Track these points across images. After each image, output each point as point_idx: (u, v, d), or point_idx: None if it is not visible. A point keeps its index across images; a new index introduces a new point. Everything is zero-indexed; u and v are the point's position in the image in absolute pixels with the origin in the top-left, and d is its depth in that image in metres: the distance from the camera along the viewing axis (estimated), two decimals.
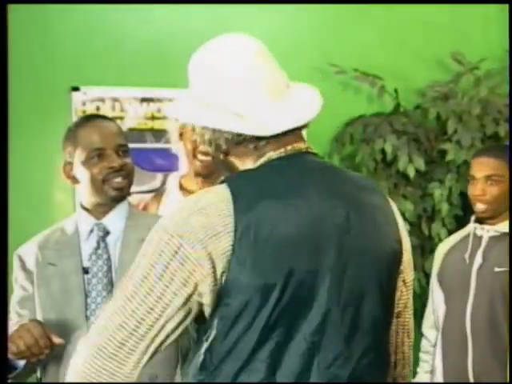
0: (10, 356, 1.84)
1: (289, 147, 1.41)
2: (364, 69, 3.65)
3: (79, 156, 2.07)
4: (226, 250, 1.28)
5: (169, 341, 1.31)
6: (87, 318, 1.99)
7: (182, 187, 2.73)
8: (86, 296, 2.01)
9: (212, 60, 1.43)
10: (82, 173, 2.08)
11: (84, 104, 3.41)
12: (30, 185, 3.30)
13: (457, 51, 3.70)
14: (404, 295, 1.48)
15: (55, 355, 1.93)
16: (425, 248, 3.61)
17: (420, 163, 3.47)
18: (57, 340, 1.86)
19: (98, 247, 2.07)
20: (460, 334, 2.61)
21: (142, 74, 3.45)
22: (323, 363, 1.32)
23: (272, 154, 1.40)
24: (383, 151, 3.52)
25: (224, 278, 1.28)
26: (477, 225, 2.71)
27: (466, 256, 2.66)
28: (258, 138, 1.39)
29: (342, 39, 3.74)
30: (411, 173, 3.47)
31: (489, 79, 3.69)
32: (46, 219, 2.89)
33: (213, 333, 1.30)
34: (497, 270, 2.58)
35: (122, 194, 2.10)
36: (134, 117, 3.47)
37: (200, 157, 2.61)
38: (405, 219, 3.46)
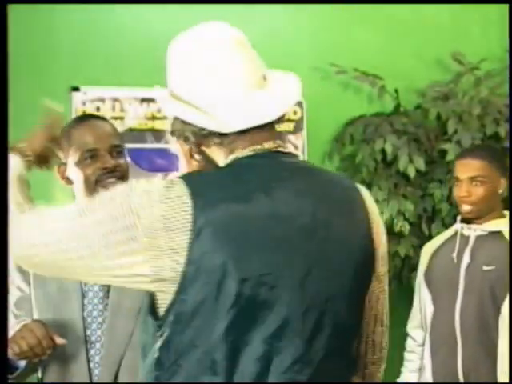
0: (12, 356, 1.83)
1: (258, 146, 1.37)
2: (364, 69, 3.65)
3: (73, 157, 2.05)
4: (182, 247, 1.26)
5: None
6: (84, 319, 1.97)
7: None
8: (83, 297, 1.99)
9: (180, 50, 1.41)
10: (75, 173, 2.06)
11: (84, 104, 3.41)
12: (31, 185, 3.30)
13: (457, 51, 3.70)
14: (376, 288, 1.45)
15: (56, 355, 1.92)
16: None
17: (420, 163, 3.47)
18: (59, 341, 1.86)
19: None
20: (449, 334, 2.62)
21: (143, 74, 3.44)
22: (280, 367, 1.29)
23: (239, 153, 1.37)
24: (383, 151, 3.52)
25: (182, 275, 1.26)
26: (464, 224, 2.71)
27: (454, 255, 2.66)
28: (224, 135, 1.37)
29: (343, 39, 3.74)
30: (411, 173, 3.47)
31: (489, 79, 3.69)
32: None
33: (167, 330, 1.29)
34: (485, 268, 2.59)
35: None
36: (134, 117, 3.47)
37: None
38: (405, 219, 3.47)
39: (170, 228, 1.27)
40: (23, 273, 2.06)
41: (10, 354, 1.82)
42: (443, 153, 3.50)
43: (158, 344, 1.30)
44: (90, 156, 2.04)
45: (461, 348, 2.58)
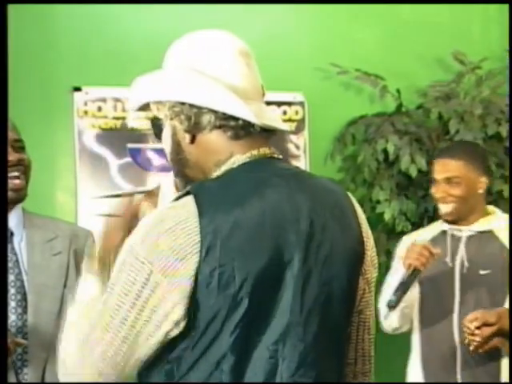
0: None
1: (255, 152, 1.39)
2: (366, 69, 3.65)
3: None
4: (194, 268, 1.27)
5: (150, 353, 1.30)
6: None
7: (177, 187, 2.70)
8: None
9: (208, 46, 1.42)
10: None
11: (86, 104, 3.41)
12: (32, 185, 3.29)
13: (458, 51, 3.70)
14: (366, 293, 1.46)
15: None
16: None
17: (422, 163, 3.46)
18: (21, 341, 1.90)
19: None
20: (447, 339, 2.56)
21: (144, 75, 3.44)
22: (286, 372, 1.31)
23: (238, 158, 1.38)
24: (385, 151, 3.51)
25: (194, 294, 1.27)
26: (453, 226, 2.65)
27: (448, 259, 2.59)
28: (236, 128, 1.38)
29: (344, 39, 3.74)
30: (413, 173, 3.47)
31: (491, 79, 3.69)
32: None
33: (183, 342, 1.29)
34: (482, 272, 2.55)
35: (18, 196, 2.03)
36: (135, 117, 3.46)
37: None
38: (407, 219, 3.47)
39: (181, 257, 1.27)
40: None
41: None
42: None
43: (172, 356, 1.30)
44: None
45: (460, 355, 2.54)
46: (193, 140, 1.41)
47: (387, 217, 3.44)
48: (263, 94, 1.46)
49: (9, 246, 2.02)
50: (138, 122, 3.47)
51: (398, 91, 3.66)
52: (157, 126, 1.48)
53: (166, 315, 1.27)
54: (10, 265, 2.00)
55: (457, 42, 3.76)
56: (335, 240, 1.37)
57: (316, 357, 1.33)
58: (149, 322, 1.27)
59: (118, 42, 3.46)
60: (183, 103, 1.39)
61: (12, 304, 1.97)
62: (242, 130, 1.38)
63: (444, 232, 2.69)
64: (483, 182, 2.65)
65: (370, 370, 1.52)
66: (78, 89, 3.39)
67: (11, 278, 2.00)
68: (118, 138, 3.43)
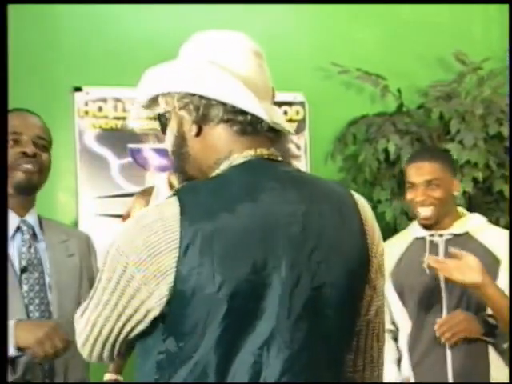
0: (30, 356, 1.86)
1: (252, 152, 1.38)
2: (367, 68, 3.65)
3: None
4: (172, 266, 1.27)
5: (133, 334, 1.35)
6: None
7: (171, 186, 2.69)
8: (23, 297, 1.97)
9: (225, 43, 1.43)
10: None
11: (86, 104, 3.41)
12: None
13: (460, 51, 3.70)
14: (374, 301, 1.43)
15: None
16: None
17: None
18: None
19: (30, 246, 2.03)
20: (436, 349, 2.53)
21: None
22: (269, 378, 1.28)
23: (235, 158, 1.38)
24: (386, 151, 3.51)
25: (174, 292, 1.28)
26: (432, 231, 2.62)
27: (425, 266, 2.53)
28: (244, 123, 1.38)
29: (345, 39, 3.74)
30: None
31: (492, 79, 3.69)
32: None
33: (169, 337, 1.31)
34: None
35: (30, 182, 2.05)
36: (136, 117, 3.46)
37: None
38: (408, 219, 3.46)
39: (155, 253, 1.28)
40: None
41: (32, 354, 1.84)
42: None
43: (163, 347, 1.31)
44: (13, 139, 2.02)
45: (451, 361, 2.52)
46: (199, 133, 1.41)
47: (388, 216, 3.44)
48: (273, 96, 1.46)
49: (33, 244, 2.03)
50: (139, 122, 3.47)
51: (399, 91, 3.66)
52: (163, 120, 1.47)
53: (143, 302, 1.30)
54: (34, 262, 2.01)
55: (458, 41, 3.76)
56: (332, 246, 1.34)
57: (304, 365, 1.30)
58: (127, 306, 1.31)
59: (118, 42, 3.46)
60: (193, 94, 1.38)
61: (36, 301, 1.98)
62: (250, 125, 1.38)
63: (418, 239, 2.67)
64: (457, 183, 2.66)
65: (378, 376, 1.50)
66: (78, 89, 3.39)
67: (35, 275, 2.01)
68: (119, 138, 3.43)
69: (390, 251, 2.67)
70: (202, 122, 1.40)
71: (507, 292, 2.41)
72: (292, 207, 1.34)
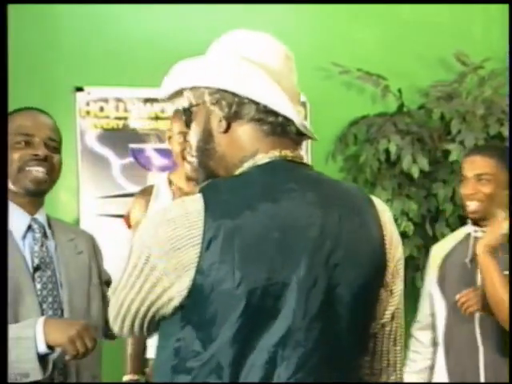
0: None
1: (277, 152, 1.39)
2: (367, 69, 3.65)
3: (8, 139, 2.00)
4: (193, 260, 1.29)
5: (158, 317, 1.37)
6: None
7: (171, 185, 2.70)
8: (37, 295, 1.96)
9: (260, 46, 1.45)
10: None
11: (88, 104, 3.41)
12: None
13: (460, 51, 3.70)
14: (390, 306, 1.43)
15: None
16: (429, 248, 3.60)
17: (424, 163, 3.47)
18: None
19: (41, 244, 2.02)
20: (469, 341, 2.57)
21: (146, 75, 3.45)
22: (283, 375, 1.30)
23: (260, 158, 1.39)
24: (387, 151, 3.52)
25: (194, 285, 1.29)
26: (477, 227, 2.65)
27: (467, 261, 2.60)
28: (274, 124, 1.39)
29: (346, 39, 3.75)
30: (415, 173, 3.47)
31: (493, 79, 3.69)
32: None
33: (187, 326, 1.33)
34: (505, 273, 2.54)
35: (39, 188, 2.04)
36: (137, 117, 3.47)
37: (189, 158, 2.58)
38: (409, 219, 3.47)
39: (177, 247, 1.30)
40: None
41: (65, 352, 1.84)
42: (447, 153, 3.49)
43: (180, 335, 1.33)
44: (24, 141, 2.01)
45: (483, 355, 2.54)
46: (227, 129, 1.40)
47: None
48: (299, 100, 1.48)
49: (45, 242, 2.04)
50: (140, 122, 3.48)
51: (400, 91, 3.66)
52: (187, 114, 1.47)
53: (165, 290, 1.32)
54: (46, 260, 2.02)
55: (458, 42, 3.76)
56: (349, 248, 1.36)
57: (316, 363, 1.32)
58: (150, 292, 1.33)
59: (119, 42, 3.46)
60: (225, 90, 1.38)
61: (49, 299, 1.98)
62: (279, 127, 1.39)
63: (467, 235, 2.69)
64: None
65: (395, 380, 1.50)
66: (80, 89, 3.40)
67: (48, 273, 2.01)
68: (120, 138, 3.44)
69: (442, 246, 2.77)
70: (232, 118, 1.40)
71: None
72: (311, 209, 1.35)
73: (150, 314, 1.36)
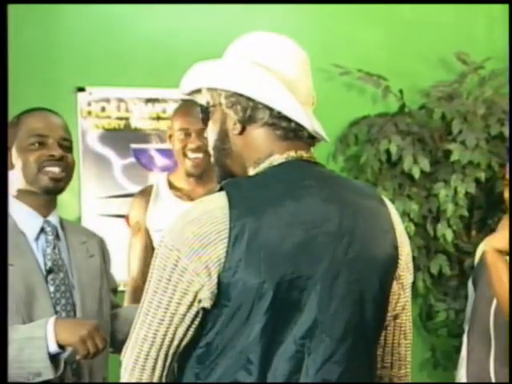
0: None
1: (292, 153, 1.43)
2: (368, 69, 3.65)
3: (19, 141, 2.02)
4: (221, 256, 1.31)
5: (184, 342, 1.36)
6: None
7: (171, 185, 2.70)
8: (51, 298, 1.97)
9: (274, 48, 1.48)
10: (18, 159, 2.02)
11: (89, 104, 3.42)
12: None
13: (461, 51, 3.70)
14: (402, 298, 1.49)
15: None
16: (430, 249, 3.61)
17: (425, 164, 3.47)
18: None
19: (54, 247, 2.03)
20: (484, 331, 2.60)
21: (148, 75, 3.45)
22: (312, 367, 1.34)
23: (276, 159, 1.42)
24: (388, 152, 3.52)
25: (220, 282, 1.32)
26: None
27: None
28: (287, 129, 1.42)
29: (347, 40, 3.75)
30: (416, 173, 3.47)
31: (493, 79, 3.69)
32: None
33: (212, 329, 1.34)
34: None
35: (57, 186, 2.05)
36: (139, 117, 3.48)
37: (191, 155, 2.59)
38: (410, 220, 3.47)
39: (206, 243, 1.32)
40: None
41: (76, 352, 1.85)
42: (448, 153, 3.49)
43: (204, 341, 1.35)
44: (38, 142, 2.02)
45: (494, 347, 2.57)
46: (242, 132, 1.44)
47: None
48: (313, 103, 1.51)
49: (57, 244, 2.04)
50: (142, 122, 3.48)
51: (401, 91, 3.66)
52: (206, 112, 1.49)
53: (195, 295, 1.33)
54: (59, 263, 2.02)
55: (459, 42, 3.76)
56: (365, 242, 1.40)
57: (343, 354, 1.36)
58: (180, 303, 1.33)
59: (121, 42, 3.47)
60: (240, 94, 1.41)
61: (62, 302, 1.99)
62: (292, 132, 1.43)
63: None
64: None
65: (405, 374, 1.55)
66: (81, 89, 3.41)
67: (61, 275, 2.01)
68: (122, 138, 3.44)
69: (480, 247, 2.75)
70: (246, 122, 1.43)
71: None
72: (328, 204, 1.39)
73: (177, 338, 1.34)
